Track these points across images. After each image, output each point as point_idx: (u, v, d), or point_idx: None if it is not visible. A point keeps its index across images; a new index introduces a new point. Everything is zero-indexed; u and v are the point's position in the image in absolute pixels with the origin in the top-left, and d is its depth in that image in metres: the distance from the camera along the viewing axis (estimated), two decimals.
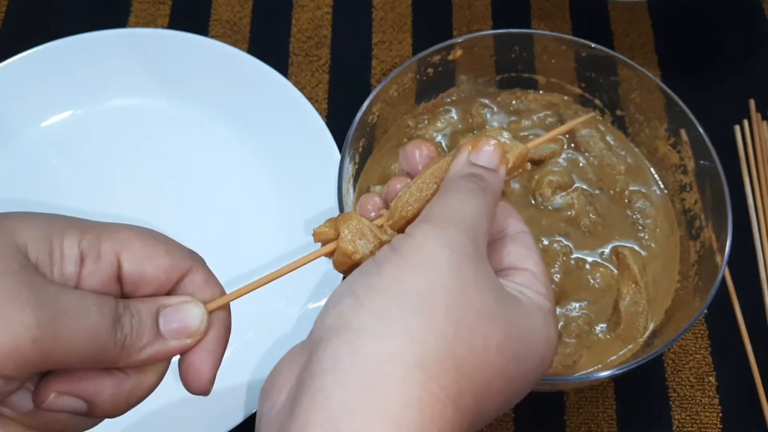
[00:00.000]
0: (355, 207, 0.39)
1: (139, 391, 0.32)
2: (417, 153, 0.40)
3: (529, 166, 0.40)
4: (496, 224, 0.38)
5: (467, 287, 0.30)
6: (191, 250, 0.34)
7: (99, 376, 0.30)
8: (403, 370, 0.27)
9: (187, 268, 0.33)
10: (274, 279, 0.35)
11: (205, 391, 0.33)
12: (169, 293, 0.33)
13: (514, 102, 0.61)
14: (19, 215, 0.30)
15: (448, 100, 0.61)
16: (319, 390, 0.27)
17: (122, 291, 0.32)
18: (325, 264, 0.55)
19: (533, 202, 0.56)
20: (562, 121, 0.60)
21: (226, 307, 0.34)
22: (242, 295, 0.34)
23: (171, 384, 0.53)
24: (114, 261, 0.31)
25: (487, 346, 0.30)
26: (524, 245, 0.37)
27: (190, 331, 0.32)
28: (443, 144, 0.58)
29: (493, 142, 0.37)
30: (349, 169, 0.54)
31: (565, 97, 0.61)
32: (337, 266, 0.37)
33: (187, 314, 0.32)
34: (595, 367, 0.50)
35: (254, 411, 0.50)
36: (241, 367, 0.53)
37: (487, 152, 0.37)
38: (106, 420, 0.52)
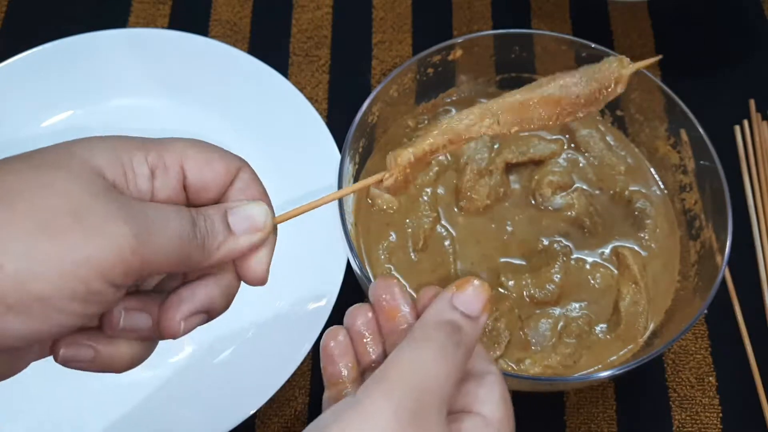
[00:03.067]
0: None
1: (235, 288, 0.35)
2: (384, 297, 0.37)
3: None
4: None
5: None
6: (236, 154, 0.36)
7: (208, 281, 0.34)
8: None
9: (237, 168, 0.35)
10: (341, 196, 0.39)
11: (264, 281, 0.35)
12: (226, 197, 0.35)
13: None
14: (85, 142, 0.32)
15: (448, 100, 0.61)
16: None
17: (188, 199, 0.34)
18: (325, 264, 0.55)
19: (533, 202, 0.56)
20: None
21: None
22: (303, 212, 0.37)
23: (171, 384, 0.54)
24: (179, 170, 0.33)
25: None
26: (485, 387, 0.36)
27: (258, 226, 0.34)
28: None
29: (477, 282, 0.35)
30: (349, 169, 0.54)
31: None
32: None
33: (252, 212, 0.34)
34: (596, 368, 0.50)
35: (254, 411, 0.50)
36: (241, 367, 0.53)
37: (470, 295, 0.34)
38: (107, 421, 0.52)
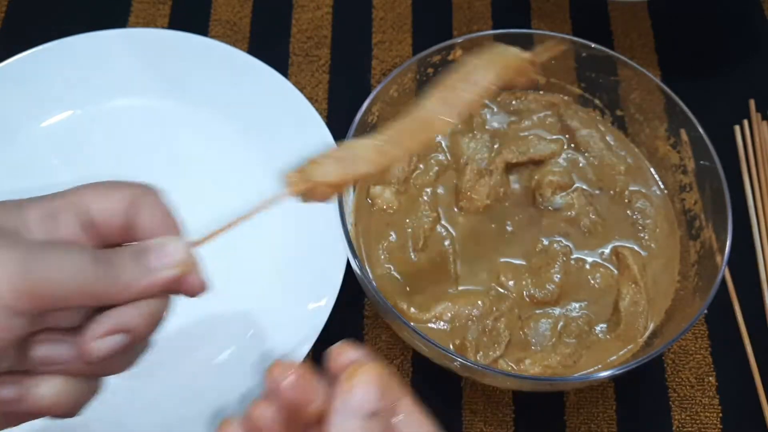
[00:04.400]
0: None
1: (158, 308, 0.35)
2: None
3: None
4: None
5: None
6: (137, 183, 0.36)
7: (130, 306, 0.33)
8: None
9: (139, 195, 0.35)
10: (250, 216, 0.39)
11: (203, 291, 0.36)
12: (135, 229, 0.35)
13: (514, 102, 0.61)
14: None
15: None
16: None
17: (100, 241, 0.34)
18: (325, 264, 0.55)
19: (533, 202, 0.56)
20: (561, 121, 0.60)
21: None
22: (222, 232, 0.38)
23: (171, 384, 0.54)
24: (76, 213, 0.33)
25: None
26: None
27: (175, 262, 0.34)
28: (443, 144, 0.58)
29: (360, 373, 0.30)
30: None
31: (565, 97, 0.61)
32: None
33: (168, 250, 0.34)
34: (596, 368, 0.50)
35: None
36: (242, 367, 0.53)
37: (362, 392, 0.30)
38: (106, 421, 0.52)
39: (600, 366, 0.50)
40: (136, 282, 0.32)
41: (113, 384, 0.53)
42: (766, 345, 0.57)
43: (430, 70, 0.58)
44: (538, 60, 0.43)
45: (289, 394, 0.31)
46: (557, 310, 0.52)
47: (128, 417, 0.52)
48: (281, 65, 0.67)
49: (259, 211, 0.39)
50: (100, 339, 0.32)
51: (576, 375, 0.50)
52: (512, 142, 0.58)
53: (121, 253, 0.33)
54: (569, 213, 0.55)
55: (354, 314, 0.58)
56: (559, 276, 0.53)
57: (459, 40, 0.57)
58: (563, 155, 0.58)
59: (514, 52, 0.44)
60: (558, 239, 0.54)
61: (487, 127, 0.59)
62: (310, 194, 0.40)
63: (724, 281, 0.59)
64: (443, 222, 0.55)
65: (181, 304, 0.57)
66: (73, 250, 0.31)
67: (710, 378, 0.56)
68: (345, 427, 0.30)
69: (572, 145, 0.59)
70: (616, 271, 0.53)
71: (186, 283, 0.35)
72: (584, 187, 0.57)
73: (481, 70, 0.42)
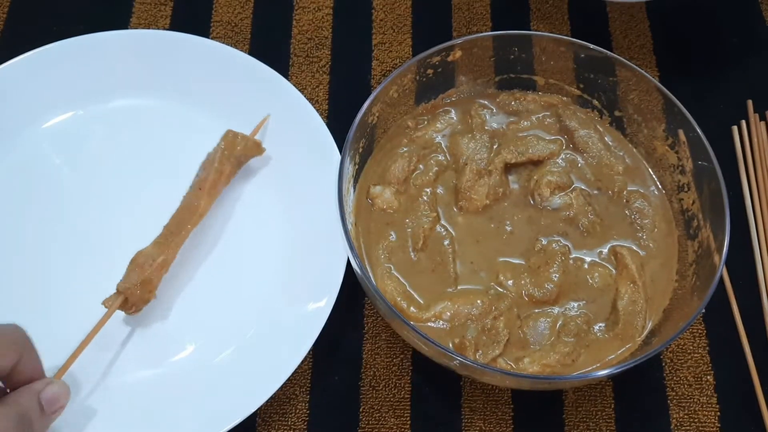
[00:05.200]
0: None
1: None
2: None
3: None
4: None
5: None
6: (14, 335, 0.45)
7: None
8: None
9: (20, 353, 0.45)
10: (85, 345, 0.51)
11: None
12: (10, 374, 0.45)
13: (513, 103, 0.61)
14: None
15: (448, 101, 0.61)
16: None
17: None
18: (325, 264, 0.55)
19: (532, 202, 0.57)
20: (560, 122, 0.60)
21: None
22: (74, 359, 0.50)
23: (172, 384, 0.54)
24: None
25: None
26: None
27: (62, 403, 0.47)
28: (443, 144, 0.59)
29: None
30: (349, 169, 0.54)
31: (564, 98, 0.61)
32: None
33: (56, 392, 0.46)
34: (594, 366, 0.51)
35: (253, 410, 0.51)
36: (242, 367, 0.54)
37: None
38: (107, 420, 0.52)
39: (598, 365, 0.51)
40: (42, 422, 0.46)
41: (113, 385, 0.54)
42: (763, 344, 0.57)
43: (429, 71, 0.58)
44: None
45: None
46: (556, 310, 0.52)
47: (128, 417, 0.52)
48: (282, 66, 0.67)
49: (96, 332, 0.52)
50: None
51: (574, 374, 0.50)
52: (511, 142, 0.58)
53: (31, 405, 0.45)
54: (568, 213, 0.56)
55: (354, 314, 0.58)
56: (557, 275, 0.53)
57: (458, 41, 0.58)
58: (562, 155, 0.58)
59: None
60: (557, 239, 0.55)
61: (486, 127, 0.59)
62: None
63: (721, 281, 0.59)
64: (443, 222, 0.56)
65: (181, 304, 0.57)
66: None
67: (708, 377, 0.56)
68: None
69: (571, 146, 0.59)
70: (614, 271, 0.54)
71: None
72: (583, 187, 0.57)
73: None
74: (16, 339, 0.45)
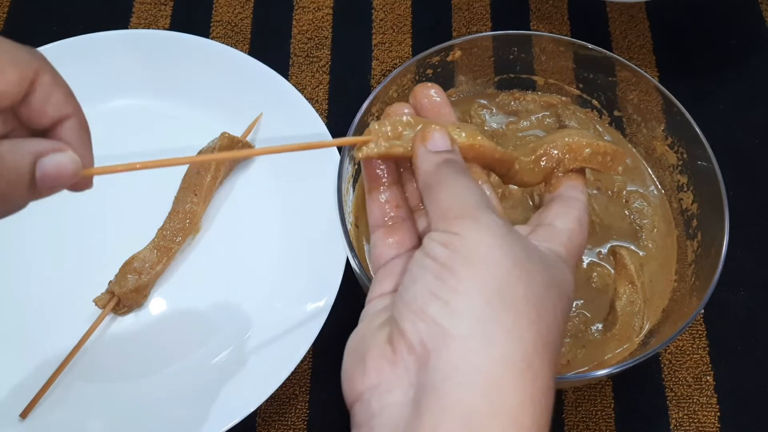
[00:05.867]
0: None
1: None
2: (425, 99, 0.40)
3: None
4: (555, 190, 0.41)
5: (527, 268, 0.32)
6: (31, 51, 0.35)
7: None
8: (513, 371, 0.30)
9: (34, 71, 0.34)
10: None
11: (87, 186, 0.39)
12: (29, 105, 0.35)
13: (512, 103, 0.61)
14: None
15: None
16: (446, 395, 0.30)
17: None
18: (325, 264, 0.55)
19: (531, 203, 0.56)
20: (560, 122, 0.60)
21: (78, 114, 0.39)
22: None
23: (171, 384, 0.54)
24: None
25: (555, 315, 0.32)
26: (565, 206, 0.39)
27: (64, 178, 0.36)
28: None
29: (435, 127, 0.37)
30: (349, 169, 0.54)
31: (564, 98, 0.61)
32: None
33: (60, 161, 0.36)
34: (592, 365, 0.51)
35: (253, 410, 0.51)
36: (241, 367, 0.54)
37: (439, 138, 0.37)
38: (107, 420, 0.52)
39: (596, 364, 0.51)
40: (29, 185, 0.35)
41: (113, 384, 0.54)
42: (764, 344, 0.57)
43: (429, 71, 0.58)
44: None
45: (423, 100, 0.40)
46: None
47: (128, 417, 0.53)
48: (282, 66, 0.67)
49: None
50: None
51: (572, 373, 0.50)
52: (511, 142, 0.58)
53: (21, 158, 0.34)
54: None
55: (354, 314, 0.58)
56: None
57: (458, 41, 0.57)
58: None
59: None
60: None
61: (485, 127, 0.59)
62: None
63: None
64: None
65: (181, 304, 0.57)
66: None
67: (708, 377, 0.56)
68: (430, 161, 0.36)
69: None
70: (613, 271, 0.54)
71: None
72: None
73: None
74: (27, 58, 0.34)
